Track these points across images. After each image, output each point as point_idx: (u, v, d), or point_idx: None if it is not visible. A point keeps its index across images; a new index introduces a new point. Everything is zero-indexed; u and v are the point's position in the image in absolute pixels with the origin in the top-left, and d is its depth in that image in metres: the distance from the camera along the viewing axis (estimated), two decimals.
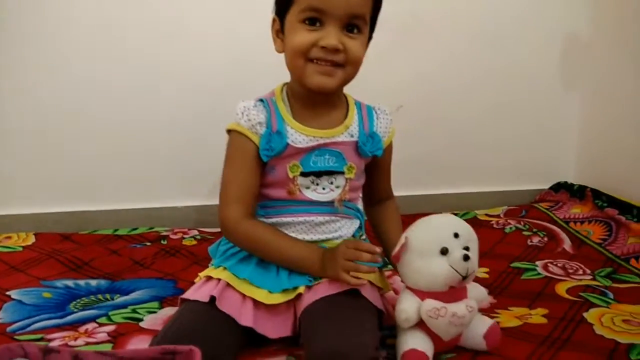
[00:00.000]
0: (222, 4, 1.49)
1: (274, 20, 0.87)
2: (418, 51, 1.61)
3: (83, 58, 1.45)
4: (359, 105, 0.94)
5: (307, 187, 0.88)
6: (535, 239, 1.40)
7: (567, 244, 1.38)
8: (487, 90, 1.68)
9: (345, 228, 0.93)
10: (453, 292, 0.79)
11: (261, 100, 0.88)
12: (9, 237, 1.35)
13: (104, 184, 1.52)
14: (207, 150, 1.51)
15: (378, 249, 0.81)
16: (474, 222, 1.53)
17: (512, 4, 1.63)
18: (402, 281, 0.83)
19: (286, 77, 0.92)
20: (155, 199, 1.55)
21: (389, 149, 0.97)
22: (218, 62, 1.50)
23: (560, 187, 1.70)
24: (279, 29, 0.86)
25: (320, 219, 0.89)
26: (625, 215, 1.41)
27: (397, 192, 1.48)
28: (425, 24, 1.59)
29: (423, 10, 1.58)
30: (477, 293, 0.83)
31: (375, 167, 0.97)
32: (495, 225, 1.51)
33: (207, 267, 0.92)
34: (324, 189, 0.88)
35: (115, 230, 1.44)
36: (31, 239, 1.35)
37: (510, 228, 1.48)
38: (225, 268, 0.86)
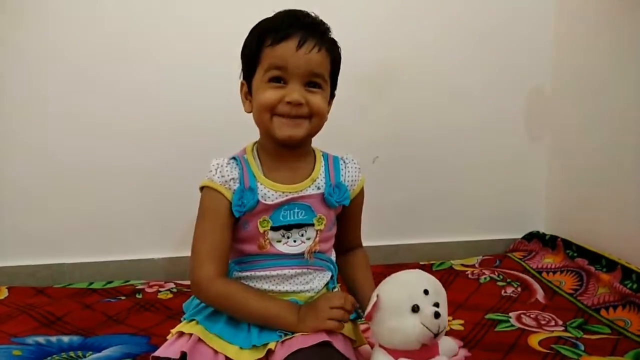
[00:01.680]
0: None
1: (242, 84, 0.93)
2: (394, 104, 1.67)
3: (59, 111, 1.47)
4: (326, 156, 0.97)
5: (279, 241, 0.89)
6: (509, 290, 1.43)
7: (540, 294, 1.40)
8: (459, 143, 1.74)
9: (317, 280, 0.94)
10: (425, 350, 0.80)
11: (234, 158, 0.92)
12: None
13: (79, 236, 1.52)
14: (185, 202, 1.51)
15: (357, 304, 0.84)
16: (449, 272, 1.56)
17: (480, 60, 1.71)
18: (374, 339, 0.84)
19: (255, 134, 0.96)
20: (132, 251, 1.55)
21: (358, 198, 0.99)
22: (195, 114, 1.53)
23: (532, 237, 1.74)
24: (247, 92, 0.92)
25: (292, 271, 0.90)
26: (594, 265, 1.44)
27: (373, 242, 1.51)
28: (401, 79, 1.66)
29: (399, 66, 1.65)
30: (448, 347, 0.84)
31: (344, 216, 0.99)
32: (470, 276, 1.53)
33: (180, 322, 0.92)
34: (295, 241, 0.90)
35: (90, 283, 1.43)
36: (4, 293, 1.33)
37: (485, 278, 1.50)
38: (197, 322, 0.86)
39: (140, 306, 1.29)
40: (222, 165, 0.89)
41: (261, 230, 0.88)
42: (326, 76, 0.90)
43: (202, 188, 0.91)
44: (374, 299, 0.81)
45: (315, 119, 0.89)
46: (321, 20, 0.91)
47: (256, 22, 0.93)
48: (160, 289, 1.40)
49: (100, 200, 1.52)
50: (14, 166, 1.47)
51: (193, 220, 1.50)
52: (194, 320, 0.87)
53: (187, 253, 1.49)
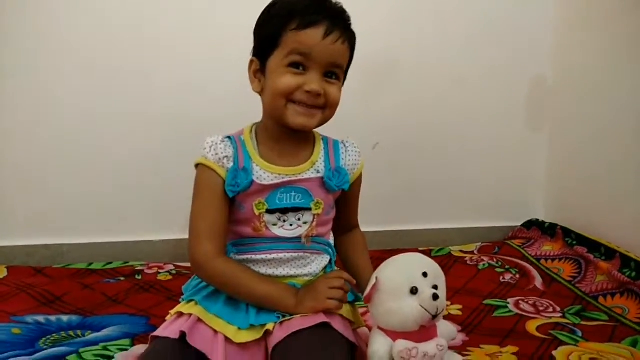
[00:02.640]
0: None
1: (252, 62, 0.89)
2: (395, 92, 1.67)
3: (60, 94, 1.47)
4: (325, 140, 0.96)
5: (274, 224, 0.89)
6: (508, 276, 1.43)
7: (538, 281, 1.40)
8: (460, 131, 1.74)
9: (316, 264, 0.93)
10: (424, 332, 0.80)
11: (228, 137, 0.90)
12: None
13: (79, 217, 1.52)
14: (184, 184, 1.51)
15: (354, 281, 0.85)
16: (448, 258, 1.56)
17: (481, 50, 1.71)
18: (372, 322, 0.84)
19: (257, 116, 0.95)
20: (132, 232, 1.55)
21: (357, 182, 0.98)
22: (195, 97, 1.53)
23: (532, 225, 1.74)
24: (257, 70, 0.89)
25: (289, 255, 0.90)
26: (593, 253, 1.44)
27: (373, 228, 1.51)
28: (403, 67, 1.66)
29: (401, 55, 1.65)
30: (447, 331, 0.84)
31: (343, 200, 0.98)
32: (469, 262, 1.53)
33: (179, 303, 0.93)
34: (291, 225, 0.89)
35: (90, 264, 1.43)
36: (3, 273, 1.33)
37: (484, 265, 1.50)
38: (196, 302, 0.86)
39: (139, 287, 1.29)
40: (215, 143, 0.87)
41: (256, 212, 0.87)
42: (345, 67, 0.89)
43: (196, 166, 0.90)
44: (372, 280, 0.81)
45: (329, 110, 0.87)
46: (344, 9, 0.88)
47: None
48: (160, 271, 1.40)
49: (100, 182, 1.53)
50: (14, 147, 1.47)
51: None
52: (192, 300, 0.87)
53: (186, 235, 1.53)
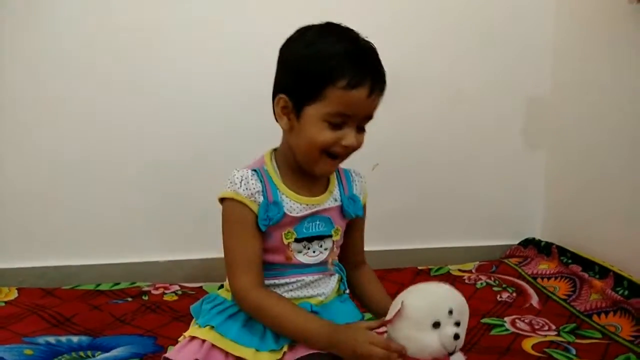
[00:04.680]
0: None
1: (280, 99, 0.87)
2: (393, 112, 1.69)
3: (63, 113, 1.51)
4: (337, 169, 1.00)
5: (299, 252, 0.92)
6: (505, 295, 1.47)
7: (534, 300, 1.44)
8: (458, 150, 1.78)
9: (330, 284, 0.97)
10: None
11: (254, 170, 0.91)
12: None
13: (86, 238, 1.56)
14: (189, 206, 1.58)
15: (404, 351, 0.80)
16: (447, 277, 1.60)
17: (479, 67, 1.75)
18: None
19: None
20: (137, 253, 1.59)
21: (364, 210, 1.02)
22: (203, 121, 1.58)
23: (528, 243, 1.78)
24: (287, 108, 0.87)
25: (311, 278, 0.94)
26: (588, 272, 1.48)
27: (372, 247, 1.54)
28: (401, 87, 1.69)
29: (398, 74, 1.68)
30: None
31: (353, 228, 1.02)
32: (467, 281, 1.57)
33: (189, 324, 0.96)
34: (314, 252, 0.93)
35: (98, 285, 1.47)
36: (14, 294, 1.37)
37: (481, 284, 1.54)
38: (212, 327, 0.89)
39: (146, 307, 1.33)
40: (246, 178, 0.88)
41: (285, 242, 0.90)
42: None
43: (223, 199, 0.91)
44: (398, 305, 0.81)
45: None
46: (380, 59, 0.89)
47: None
48: (166, 291, 1.44)
49: (107, 204, 1.56)
50: (23, 169, 1.51)
51: (197, 223, 1.56)
52: (208, 325, 0.89)
53: (192, 256, 1.58)
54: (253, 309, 0.88)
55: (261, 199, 0.88)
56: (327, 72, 0.82)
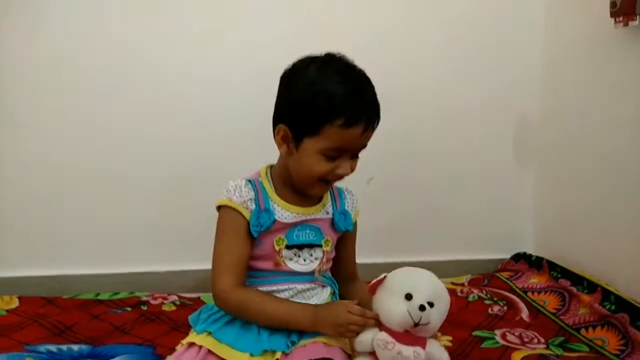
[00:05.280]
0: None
1: (280, 129, 0.94)
2: (385, 127, 1.74)
3: (63, 121, 1.55)
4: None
5: (290, 259, 0.98)
6: (496, 308, 1.50)
7: (524, 313, 1.47)
8: (451, 166, 1.82)
9: (322, 295, 1.03)
10: (409, 337, 0.87)
11: (249, 180, 0.99)
12: None
13: (86, 248, 1.59)
14: (188, 217, 1.61)
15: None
16: None
17: (471, 86, 1.80)
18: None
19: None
20: (136, 263, 1.62)
21: (355, 225, 1.08)
22: (204, 132, 1.61)
23: (520, 258, 1.82)
24: (286, 137, 0.94)
25: (301, 286, 0.99)
26: (576, 287, 1.51)
27: (366, 260, 1.58)
28: (393, 104, 1.73)
29: (390, 92, 1.73)
30: (437, 351, 0.90)
31: (344, 243, 1.08)
32: (459, 294, 1.60)
33: (186, 334, 0.99)
34: (304, 260, 0.99)
35: (97, 294, 1.49)
36: (15, 303, 1.39)
37: (473, 297, 1.57)
38: (209, 333, 0.93)
39: (145, 317, 1.35)
40: (240, 187, 0.96)
41: (277, 248, 0.96)
42: None
43: (219, 207, 0.98)
44: (381, 276, 0.90)
45: None
46: (377, 99, 0.95)
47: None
48: (164, 301, 1.47)
49: (107, 214, 1.60)
50: (24, 178, 1.54)
51: (198, 234, 1.58)
52: (206, 332, 0.94)
53: (190, 266, 1.61)
54: (235, 306, 0.93)
55: (253, 206, 0.94)
56: (325, 112, 0.88)
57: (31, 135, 1.54)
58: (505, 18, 1.79)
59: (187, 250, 1.61)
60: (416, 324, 0.85)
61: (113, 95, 1.56)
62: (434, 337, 0.91)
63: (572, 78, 1.71)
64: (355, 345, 0.89)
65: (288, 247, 0.97)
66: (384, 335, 0.86)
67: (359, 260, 1.15)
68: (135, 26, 1.56)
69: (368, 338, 0.87)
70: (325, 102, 0.88)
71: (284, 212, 0.96)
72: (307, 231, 0.98)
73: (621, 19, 1.39)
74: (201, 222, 1.48)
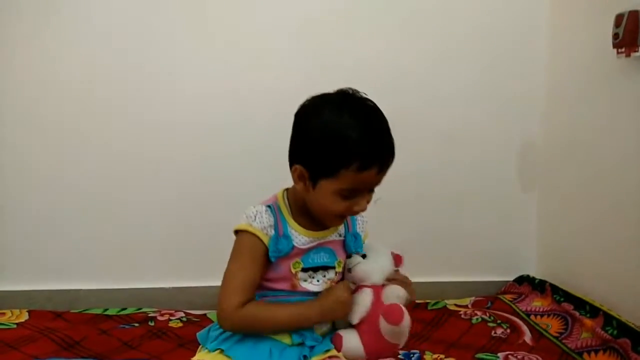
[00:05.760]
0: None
1: (296, 169, 0.95)
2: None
3: (73, 139, 1.59)
4: None
5: (305, 280, 1.00)
6: (499, 331, 1.51)
7: (527, 336, 1.48)
8: (455, 189, 1.84)
9: None
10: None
11: (269, 206, 1.00)
12: (3, 314, 1.42)
13: (95, 263, 1.62)
14: (196, 234, 1.64)
15: None
16: (444, 311, 1.64)
17: (476, 110, 1.83)
18: None
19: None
20: (144, 279, 1.64)
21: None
22: (212, 152, 1.65)
23: (523, 280, 1.83)
24: (303, 177, 0.94)
25: None
26: (579, 311, 1.52)
27: None
28: (400, 128, 1.77)
29: (398, 117, 1.76)
30: (394, 289, 1.01)
31: None
32: (463, 316, 1.61)
33: (193, 351, 1.01)
34: (318, 281, 1.01)
35: (105, 309, 1.51)
36: (25, 316, 1.41)
37: (477, 319, 1.58)
38: (221, 350, 0.95)
39: (152, 333, 1.37)
40: (261, 213, 0.97)
41: (293, 271, 0.98)
42: None
43: (238, 231, 0.98)
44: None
45: None
46: (390, 131, 0.98)
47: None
48: (171, 318, 1.49)
49: (116, 230, 1.63)
50: (32, 194, 1.58)
51: (205, 251, 1.62)
52: (218, 349, 0.96)
53: (197, 283, 1.63)
54: (244, 319, 0.94)
55: (272, 232, 0.96)
56: (341, 158, 0.89)
57: (39, 152, 1.58)
58: (511, 43, 1.83)
59: (194, 268, 1.64)
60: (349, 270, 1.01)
61: (128, 115, 1.60)
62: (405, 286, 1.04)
63: (575, 105, 1.74)
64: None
65: (304, 269, 0.99)
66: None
67: None
68: (160, 51, 1.61)
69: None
70: (340, 148, 0.89)
71: (301, 237, 0.99)
72: (322, 254, 1.01)
73: (623, 50, 1.42)
74: (209, 239, 1.52)
